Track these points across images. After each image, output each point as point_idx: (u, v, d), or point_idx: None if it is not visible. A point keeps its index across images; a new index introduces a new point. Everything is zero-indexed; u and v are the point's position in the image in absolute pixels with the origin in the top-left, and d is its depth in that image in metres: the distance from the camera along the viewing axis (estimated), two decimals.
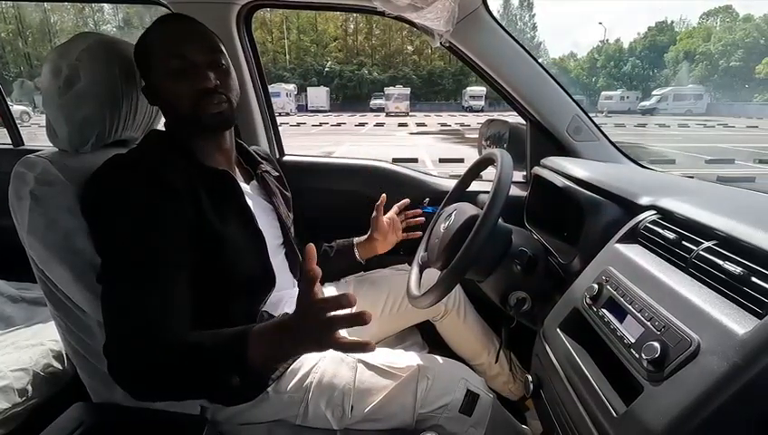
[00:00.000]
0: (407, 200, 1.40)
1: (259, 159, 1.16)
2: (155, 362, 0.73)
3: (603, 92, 41.86)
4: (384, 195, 1.33)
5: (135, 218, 0.78)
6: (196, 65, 0.88)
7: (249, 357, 0.69)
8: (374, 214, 1.32)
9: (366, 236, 1.35)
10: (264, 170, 1.12)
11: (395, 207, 1.38)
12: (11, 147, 2.09)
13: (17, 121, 2.16)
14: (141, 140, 0.95)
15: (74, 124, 0.89)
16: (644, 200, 0.87)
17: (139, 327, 0.73)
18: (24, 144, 2.15)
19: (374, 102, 35.20)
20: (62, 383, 1.26)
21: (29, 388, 1.17)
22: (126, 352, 0.73)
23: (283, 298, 1.06)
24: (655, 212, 0.83)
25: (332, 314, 0.64)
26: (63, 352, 1.29)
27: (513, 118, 1.55)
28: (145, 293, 0.75)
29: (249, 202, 0.98)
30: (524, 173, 1.56)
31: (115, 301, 0.76)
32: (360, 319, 0.62)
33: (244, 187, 1.03)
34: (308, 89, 37.58)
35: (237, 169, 1.06)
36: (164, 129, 0.98)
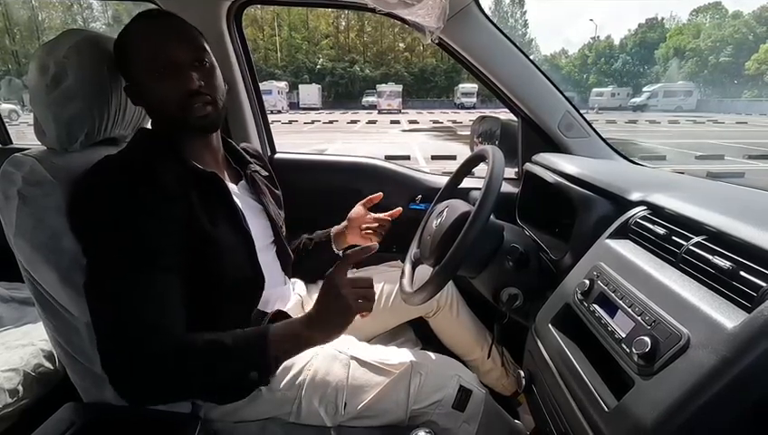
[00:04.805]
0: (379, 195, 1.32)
1: (248, 157, 1.14)
2: (156, 361, 0.73)
3: (594, 89, 42.11)
4: (381, 193, 1.31)
5: (128, 220, 0.77)
6: (179, 65, 0.86)
7: (269, 353, 0.77)
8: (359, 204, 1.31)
9: (342, 226, 1.34)
10: (253, 170, 1.11)
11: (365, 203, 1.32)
12: None
13: (5, 120, 2.15)
14: (131, 141, 0.93)
15: (62, 122, 0.87)
16: (634, 196, 0.88)
17: (144, 326, 0.74)
18: (11, 143, 2.13)
19: (366, 100, 35.25)
20: (53, 383, 1.25)
21: (20, 388, 1.16)
22: (124, 354, 0.73)
23: (274, 295, 1.05)
24: (645, 208, 0.84)
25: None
26: (54, 353, 1.28)
27: (505, 115, 1.56)
28: (142, 293, 0.75)
29: (238, 202, 0.97)
30: (516, 170, 1.56)
31: (110, 303, 0.75)
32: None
33: (233, 187, 1.01)
34: (300, 86, 37.41)
35: (226, 169, 1.05)
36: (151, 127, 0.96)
